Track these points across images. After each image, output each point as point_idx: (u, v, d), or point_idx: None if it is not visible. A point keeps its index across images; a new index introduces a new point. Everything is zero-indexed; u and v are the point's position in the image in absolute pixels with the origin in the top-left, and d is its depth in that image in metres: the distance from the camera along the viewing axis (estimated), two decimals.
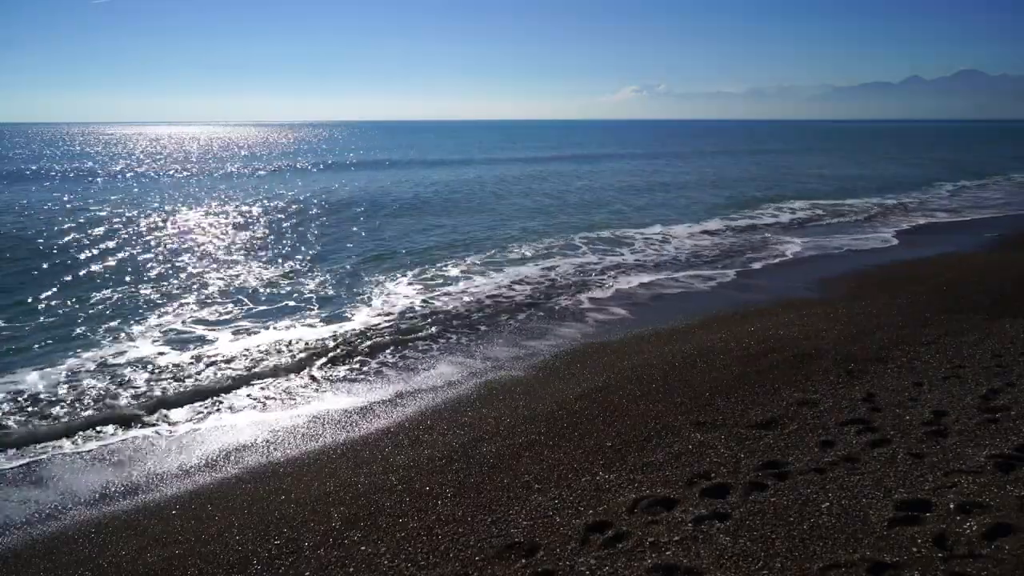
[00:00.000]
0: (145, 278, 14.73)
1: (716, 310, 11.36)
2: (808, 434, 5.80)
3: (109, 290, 13.57)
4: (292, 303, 12.53)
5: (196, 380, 8.63)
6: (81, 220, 23.05)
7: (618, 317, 11.33)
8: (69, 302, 12.58)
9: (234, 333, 10.69)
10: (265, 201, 29.53)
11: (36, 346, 10.01)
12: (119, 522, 5.44)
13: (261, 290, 13.63)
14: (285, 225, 22.63)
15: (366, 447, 6.57)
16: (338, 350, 9.70)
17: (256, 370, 8.95)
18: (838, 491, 4.66)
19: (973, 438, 5.36)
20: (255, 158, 65.89)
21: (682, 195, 30.73)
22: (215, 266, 16.06)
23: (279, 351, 9.71)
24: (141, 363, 9.27)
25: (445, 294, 13.07)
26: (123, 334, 10.61)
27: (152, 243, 19.07)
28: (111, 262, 16.39)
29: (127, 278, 14.69)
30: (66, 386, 8.40)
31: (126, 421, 7.43)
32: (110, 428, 7.27)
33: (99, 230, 21.04)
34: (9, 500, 5.89)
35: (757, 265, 15.45)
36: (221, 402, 7.94)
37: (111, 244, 18.73)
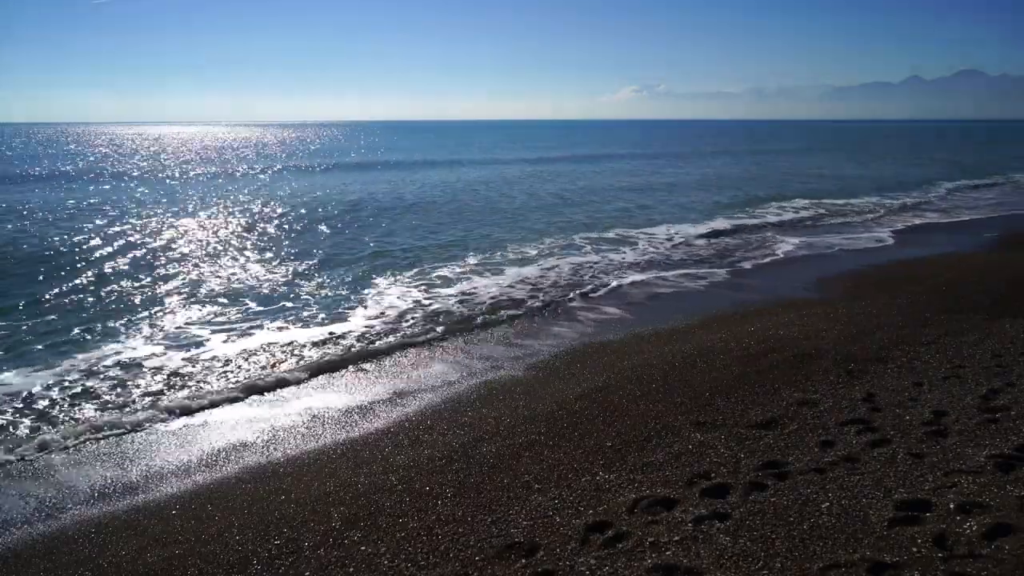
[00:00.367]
0: (143, 279, 14.73)
1: (716, 310, 11.36)
2: (808, 434, 5.80)
3: (106, 291, 13.56)
4: (291, 304, 12.52)
5: (195, 380, 8.64)
6: (80, 220, 23.06)
7: (618, 317, 11.33)
8: (67, 303, 12.59)
9: (233, 334, 10.68)
10: (265, 202, 29.55)
11: (34, 347, 9.99)
12: (119, 522, 5.44)
13: (260, 291, 13.62)
14: (285, 226, 22.63)
15: (366, 447, 6.57)
16: (338, 350, 9.71)
17: (256, 370, 8.95)
18: (838, 491, 4.66)
19: (973, 438, 5.36)
20: (256, 158, 65.89)
21: (684, 195, 30.72)
22: (214, 267, 16.07)
23: (278, 351, 9.71)
24: (139, 364, 9.26)
25: (446, 294, 13.06)
26: (121, 335, 10.60)
27: (151, 243, 19.07)
28: (109, 262, 16.38)
29: (125, 279, 14.69)
30: (64, 387, 8.39)
31: (125, 421, 7.43)
32: (110, 428, 7.26)
33: (99, 230, 21.04)
34: (9, 500, 5.89)
35: (758, 265, 15.45)
36: (221, 402, 7.92)
37: (111, 244, 18.71)
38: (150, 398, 8.08)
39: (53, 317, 11.57)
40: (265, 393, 8.20)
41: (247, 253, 17.78)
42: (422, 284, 13.97)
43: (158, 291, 13.56)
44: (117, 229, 21.26)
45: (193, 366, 9.17)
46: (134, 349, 9.90)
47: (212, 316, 11.72)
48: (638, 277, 14.30)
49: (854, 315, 10.07)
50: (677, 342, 9.28)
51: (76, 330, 10.83)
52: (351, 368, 9.02)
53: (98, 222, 22.74)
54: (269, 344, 10.05)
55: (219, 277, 14.86)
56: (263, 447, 6.73)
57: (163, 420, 7.47)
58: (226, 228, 22.11)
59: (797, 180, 37.13)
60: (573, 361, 8.84)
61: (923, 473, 4.83)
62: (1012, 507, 4.21)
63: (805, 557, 3.95)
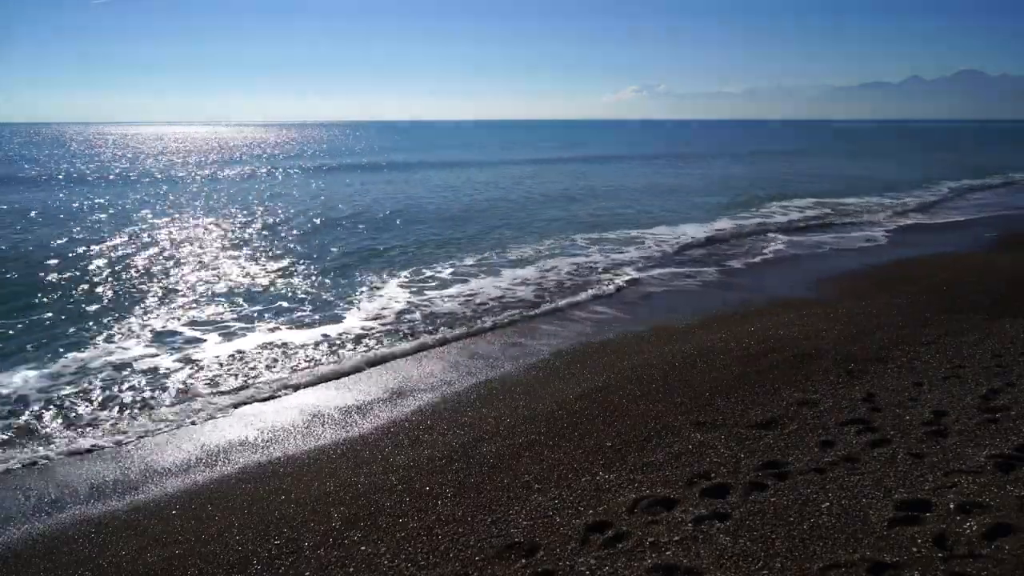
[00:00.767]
0: (140, 279, 14.72)
1: (716, 310, 11.35)
2: (808, 434, 5.80)
3: (103, 291, 13.55)
4: (287, 304, 12.51)
5: (194, 381, 8.64)
6: (80, 221, 23.07)
7: (618, 317, 11.33)
8: (65, 303, 12.59)
9: (231, 334, 10.68)
10: (265, 202, 29.55)
11: (30, 347, 9.98)
12: (119, 522, 5.44)
13: (258, 292, 13.62)
14: (284, 226, 22.62)
15: (366, 447, 6.57)
16: (337, 350, 9.71)
17: (254, 371, 8.95)
18: (838, 491, 4.66)
19: (973, 438, 5.36)
20: (257, 159, 65.89)
21: (685, 195, 30.71)
22: (212, 267, 16.06)
23: (277, 352, 9.71)
24: (137, 364, 9.25)
25: (446, 294, 13.06)
26: (118, 336, 10.58)
27: (149, 244, 19.06)
28: (107, 263, 16.37)
29: (122, 279, 14.68)
30: (62, 387, 8.38)
31: (125, 421, 7.43)
32: (109, 428, 7.27)
33: (97, 231, 21.05)
34: (8, 500, 5.89)
35: (759, 265, 15.45)
36: (220, 402, 7.93)
37: (109, 245, 18.71)
38: (148, 398, 8.08)
39: (50, 316, 11.56)
40: (264, 393, 8.20)
41: (245, 253, 17.77)
42: (421, 284, 13.96)
43: (153, 291, 13.53)
44: (116, 230, 21.26)
45: (191, 366, 9.16)
46: (130, 350, 9.85)
47: (210, 316, 11.71)
48: (639, 277, 14.29)
49: (854, 315, 10.07)
50: (677, 342, 9.28)
51: (72, 330, 10.80)
52: (351, 368, 9.01)
53: (98, 222, 22.75)
54: (267, 345, 10.04)
55: (217, 277, 14.85)
56: (263, 447, 6.73)
57: (162, 420, 7.47)
58: (225, 228, 22.10)
59: (800, 180, 37.13)
60: (573, 361, 8.83)
61: (923, 473, 4.83)
62: (1012, 507, 4.21)
63: (805, 557, 3.95)
